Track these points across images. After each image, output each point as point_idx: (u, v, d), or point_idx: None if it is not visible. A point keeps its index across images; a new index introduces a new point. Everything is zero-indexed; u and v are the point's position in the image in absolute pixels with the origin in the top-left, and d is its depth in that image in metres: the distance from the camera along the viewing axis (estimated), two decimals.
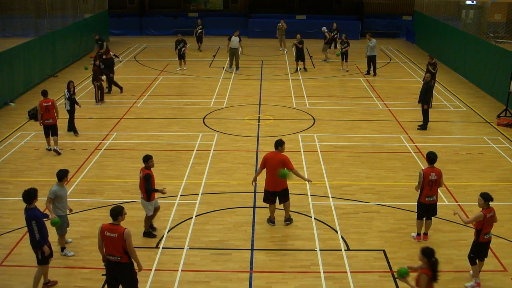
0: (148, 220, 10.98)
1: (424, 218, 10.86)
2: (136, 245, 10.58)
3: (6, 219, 11.65)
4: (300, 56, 24.94)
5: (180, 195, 12.79)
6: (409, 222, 11.61)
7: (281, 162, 10.81)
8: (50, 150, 15.43)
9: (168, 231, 11.19)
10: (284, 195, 11.19)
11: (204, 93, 21.56)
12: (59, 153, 15.21)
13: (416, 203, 10.88)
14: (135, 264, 8.39)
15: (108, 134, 16.79)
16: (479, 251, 9.39)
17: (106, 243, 8.18)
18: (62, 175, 10.02)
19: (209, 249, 10.57)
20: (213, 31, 35.17)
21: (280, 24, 29.90)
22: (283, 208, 11.44)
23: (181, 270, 9.88)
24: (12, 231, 11.13)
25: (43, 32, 27.64)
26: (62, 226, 10.10)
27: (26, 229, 11.03)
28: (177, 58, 25.23)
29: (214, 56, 28.89)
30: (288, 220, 11.49)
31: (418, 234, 10.97)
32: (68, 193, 12.74)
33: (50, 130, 15.25)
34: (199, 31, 29.53)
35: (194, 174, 13.94)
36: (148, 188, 10.45)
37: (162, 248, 10.59)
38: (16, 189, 13.10)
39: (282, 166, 10.78)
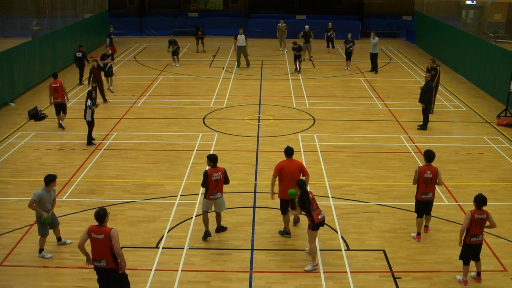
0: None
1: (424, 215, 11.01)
2: (136, 245, 10.63)
3: (6, 219, 11.65)
4: (297, 57, 25.14)
5: (180, 195, 12.79)
6: (409, 222, 11.61)
7: (299, 168, 10.63)
8: (60, 126, 17.18)
9: (168, 231, 11.19)
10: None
11: (204, 93, 21.56)
12: (63, 128, 16.98)
13: (415, 201, 10.93)
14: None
15: (108, 134, 16.79)
16: (466, 252, 9.35)
17: (93, 246, 8.16)
18: (50, 180, 9.94)
19: (209, 249, 10.57)
20: (213, 31, 35.18)
21: (280, 24, 29.94)
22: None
23: (181, 270, 9.88)
24: (12, 231, 11.13)
25: (43, 32, 27.64)
26: (44, 227, 10.13)
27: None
28: (171, 55, 26.20)
29: (214, 56, 28.89)
30: (298, 221, 11.48)
31: (418, 234, 10.98)
32: (68, 193, 12.82)
33: (61, 109, 17.03)
34: (199, 38, 29.71)
35: (194, 174, 13.94)
36: (228, 181, 10.74)
37: (162, 248, 10.58)
38: (16, 189, 13.11)
39: (300, 172, 10.57)
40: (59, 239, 10.63)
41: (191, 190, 13.04)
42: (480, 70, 22.79)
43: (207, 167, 10.65)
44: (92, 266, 8.38)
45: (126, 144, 16.09)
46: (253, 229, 11.30)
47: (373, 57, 25.04)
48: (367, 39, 26.29)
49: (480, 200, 9.23)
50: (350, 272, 9.83)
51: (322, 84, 23.06)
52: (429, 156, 10.73)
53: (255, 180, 13.64)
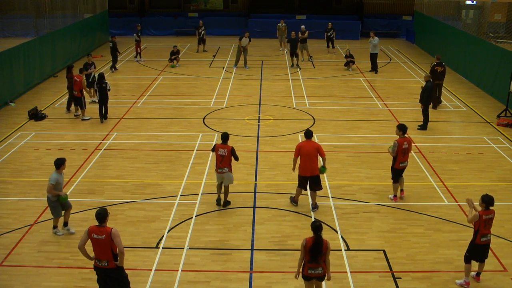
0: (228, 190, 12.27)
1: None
2: (136, 245, 10.63)
3: (6, 219, 11.65)
4: (293, 52, 25.66)
5: (180, 195, 12.79)
6: (409, 222, 11.62)
7: (316, 149, 11.76)
8: (76, 116, 18.37)
9: (168, 231, 11.19)
10: (317, 182, 11.96)
11: (204, 93, 21.56)
12: (87, 119, 18.08)
13: (391, 170, 12.45)
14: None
15: (108, 134, 16.78)
16: (474, 252, 9.36)
17: (94, 246, 8.16)
18: (60, 163, 10.79)
19: (209, 249, 10.57)
20: (213, 31, 35.15)
21: (280, 24, 29.96)
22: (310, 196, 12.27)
23: (181, 270, 9.88)
24: (12, 231, 11.14)
25: (43, 32, 27.62)
26: (56, 209, 10.83)
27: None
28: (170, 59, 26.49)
29: (214, 56, 28.89)
30: (316, 207, 12.11)
31: (395, 196, 12.55)
32: (68, 193, 12.82)
33: (77, 102, 18.18)
34: (202, 32, 29.56)
35: (194, 174, 13.95)
36: (237, 158, 11.85)
37: (162, 248, 10.59)
38: (16, 189, 13.11)
39: (317, 152, 11.75)
40: (65, 224, 11.10)
41: (191, 190, 13.05)
42: (480, 70, 22.79)
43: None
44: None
45: (126, 144, 16.09)
46: (253, 229, 11.31)
47: (373, 57, 25.05)
48: (367, 39, 26.25)
49: (490, 201, 9.20)
50: (350, 272, 9.83)
51: (322, 84, 23.05)
52: (403, 128, 12.24)
53: (255, 180, 13.64)
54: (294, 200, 12.30)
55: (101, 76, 17.79)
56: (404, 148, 12.10)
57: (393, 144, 12.14)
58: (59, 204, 10.82)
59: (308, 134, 11.97)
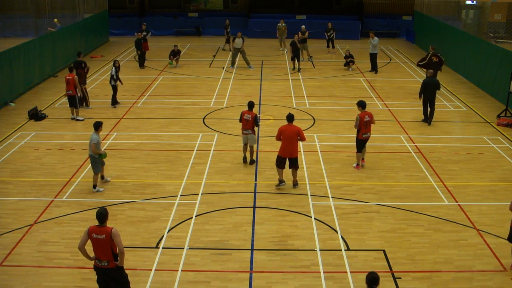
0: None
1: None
2: (136, 245, 10.63)
3: (6, 219, 11.65)
4: (295, 55, 25.33)
5: (180, 195, 12.79)
6: (409, 222, 11.62)
7: (297, 132, 12.64)
8: (73, 119, 18.06)
9: (168, 231, 11.19)
10: (295, 163, 12.89)
11: (204, 93, 21.56)
12: (78, 120, 17.99)
13: (355, 141, 14.04)
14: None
15: (108, 134, 16.78)
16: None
17: (94, 246, 8.15)
18: (98, 125, 12.65)
19: (209, 249, 10.57)
20: (213, 31, 35.19)
21: (280, 24, 29.97)
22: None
23: (181, 270, 9.88)
24: (12, 231, 11.14)
25: (43, 32, 27.63)
26: (97, 164, 12.61)
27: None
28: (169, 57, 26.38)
29: (214, 56, 28.90)
30: (296, 184, 13.08)
31: (357, 164, 14.17)
32: (68, 193, 12.85)
33: (70, 101, 18.02)
34: (229, 31, 29.95)
35: (194, 174, 13.95)
36: (258, 124, 14.17)
37: (162, 248, 10.59)
38: (16, 189, 13.11)
39: (297, 136, 12.64)
40: (102, 177, 13.16)
41: (191, 190, 13.05)
42: (480, 70, 22.79)
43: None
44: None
45: (126, 144, 16.09)
46: (253, 229, 11.31)
47: (373, 57, 25.05)
48: (367, 39, 26.26)
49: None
50: (350, 272, 9.83)
51: (322, 84, 23.05)
52: (363, 104, 13.80)
53: (255, 180, 13.64)
54: (280, 182, 13.03)
55: (115, 62, 19.72)
56: (365, 121, 13.66)
57: (355, 118, 13.73)
58: (99, 161, 12.62)
59: (290, 117, 12.84)
